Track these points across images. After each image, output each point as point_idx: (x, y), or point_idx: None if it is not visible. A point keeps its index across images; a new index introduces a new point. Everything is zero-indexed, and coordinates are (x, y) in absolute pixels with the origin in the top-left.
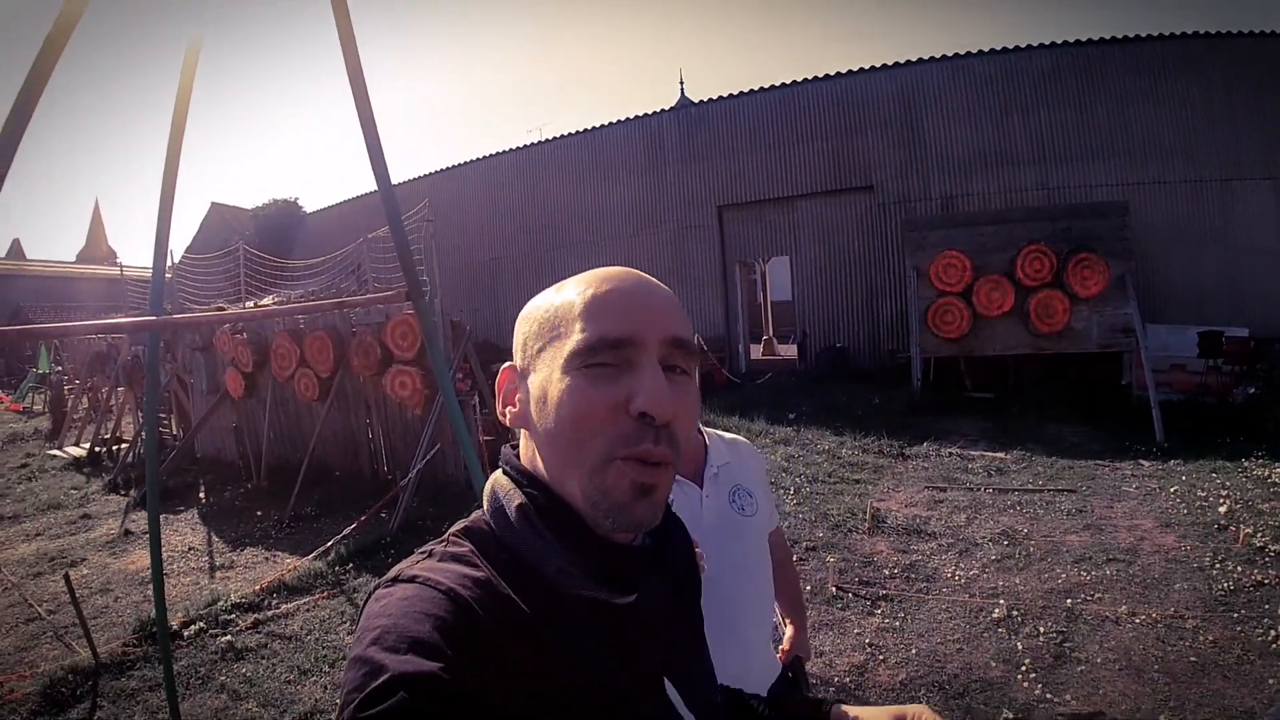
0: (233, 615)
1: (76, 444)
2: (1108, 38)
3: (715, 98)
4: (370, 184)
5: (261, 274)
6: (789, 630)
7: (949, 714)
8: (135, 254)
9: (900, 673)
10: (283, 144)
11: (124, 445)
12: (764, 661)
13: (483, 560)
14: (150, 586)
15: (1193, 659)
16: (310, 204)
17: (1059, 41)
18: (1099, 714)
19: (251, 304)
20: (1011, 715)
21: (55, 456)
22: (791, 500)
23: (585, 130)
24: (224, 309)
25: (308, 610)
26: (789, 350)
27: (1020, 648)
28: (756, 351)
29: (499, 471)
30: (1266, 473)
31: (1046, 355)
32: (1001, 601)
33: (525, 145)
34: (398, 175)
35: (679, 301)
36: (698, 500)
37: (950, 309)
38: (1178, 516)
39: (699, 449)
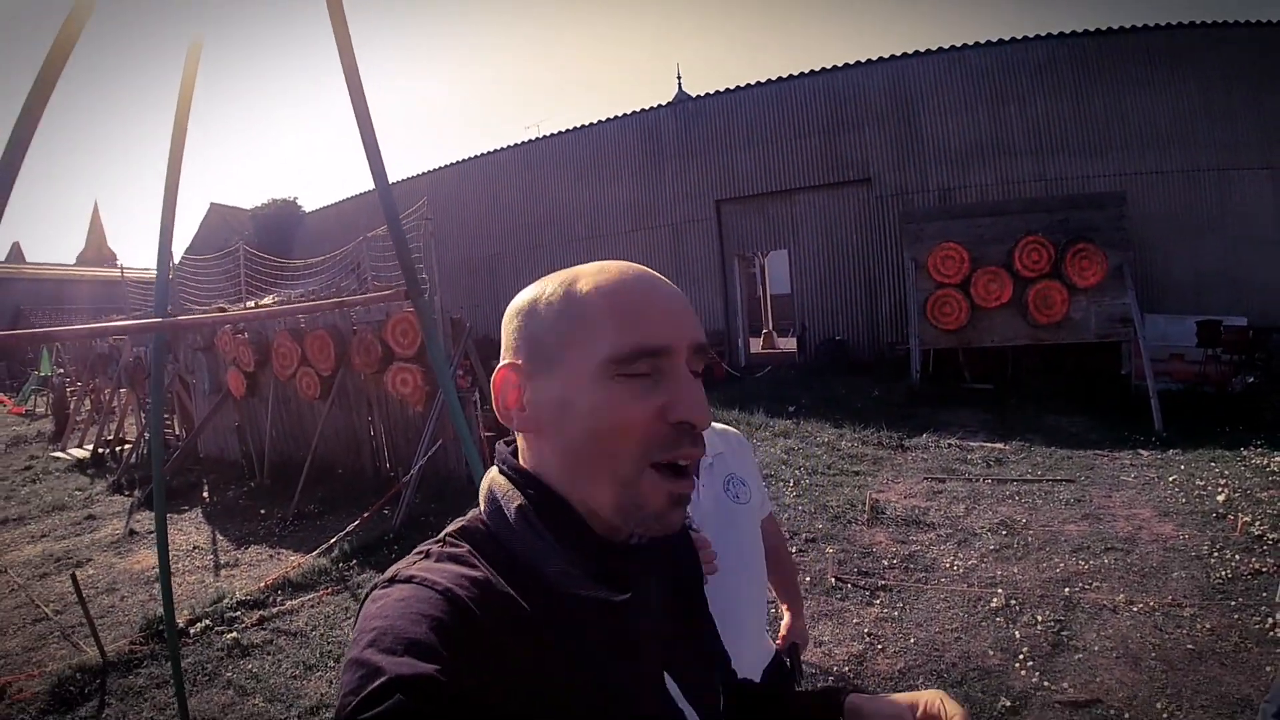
0: (238, 612)
1: (80, 446)
2: (1104, 28)
3: (712, 93)
4: (369, 182)
5: (261, 274)
6: (786, 617)
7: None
8: (135, 256)
9: (899, 662)
10: (282, 144)
11: (127, 446)
12: (758, 647)
13: (480, 560)
14: (156, 585)
15: (1190, 647)
16: (309, 203)
17: (1055, 32)
18: (1096, 702)
19: (252, 304)
20: (1009, 703)
21: (59, 458)
22: (791, 492)
23: (584, 126)
24: (225, 309)
25: (312, 606)
26: (788, 343)
27: (1018, 636)
28: (756, 345)
29: (495, 471)
30: (1265, 461)
31: (1045, 346)
32: (1000, 591)
33: (524, 142)
34: (397, 174)
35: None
36: (695, 490)
37: (949, 300)
38: (1176, 505)
39: None
